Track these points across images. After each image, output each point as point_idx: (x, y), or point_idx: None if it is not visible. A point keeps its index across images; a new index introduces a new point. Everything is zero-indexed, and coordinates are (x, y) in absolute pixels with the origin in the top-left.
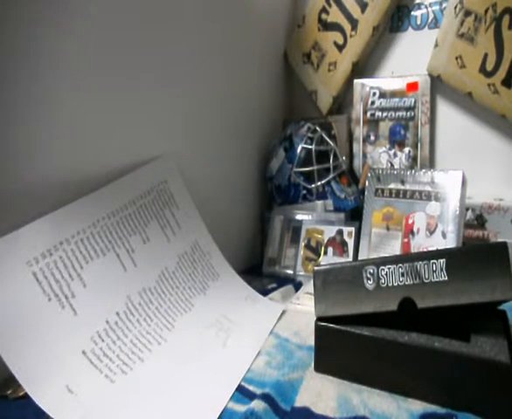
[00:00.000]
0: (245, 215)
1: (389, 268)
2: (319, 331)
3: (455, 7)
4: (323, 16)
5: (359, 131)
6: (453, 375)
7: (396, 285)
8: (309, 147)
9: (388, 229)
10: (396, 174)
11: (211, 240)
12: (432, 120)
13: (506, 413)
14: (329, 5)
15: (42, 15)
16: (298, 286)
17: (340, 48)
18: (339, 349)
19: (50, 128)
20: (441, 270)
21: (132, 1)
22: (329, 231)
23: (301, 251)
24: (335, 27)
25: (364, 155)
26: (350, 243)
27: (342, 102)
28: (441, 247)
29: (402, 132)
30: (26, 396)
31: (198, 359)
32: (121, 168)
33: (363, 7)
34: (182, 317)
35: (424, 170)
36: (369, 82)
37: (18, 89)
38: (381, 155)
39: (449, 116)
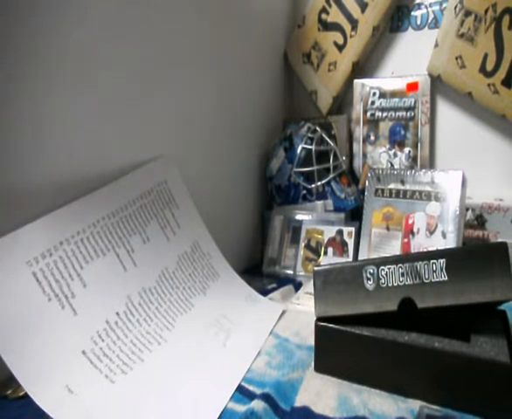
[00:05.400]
0: (245, 215)
1: (389, 268)
2: (319, 331)
3: (455, 7)
4: (323, 16)
5: (359, 131)
6: (453, 375)
7: (396, 285)
8: (309, 147)
9: (388, 229)
10: (396, 174)
11: (211, 240)
12: (432, 120)
13: (506, 413)
14: (329, 5)
15: (45, 16)
16: (298, 286)
17: (340, 48)
18: (339, 349)
19: (50, 128)
20: (441, 270)
21: (131, 1)
22: (329, 231)
23: (301, 251)
24: (335, 27)
25: (364, 155)
26: (350, 243)
27: (342, 102)
28: (441, 247)
29: (402, 132)
30: (26, 396)
31: (198, 359)
32: (121, 168)
33: (363, 7)
34: (182, 317)
35: (424, 170)
36: (369, 82)
37: (19, 90)
38: (381, 155)
39: (449, 116)
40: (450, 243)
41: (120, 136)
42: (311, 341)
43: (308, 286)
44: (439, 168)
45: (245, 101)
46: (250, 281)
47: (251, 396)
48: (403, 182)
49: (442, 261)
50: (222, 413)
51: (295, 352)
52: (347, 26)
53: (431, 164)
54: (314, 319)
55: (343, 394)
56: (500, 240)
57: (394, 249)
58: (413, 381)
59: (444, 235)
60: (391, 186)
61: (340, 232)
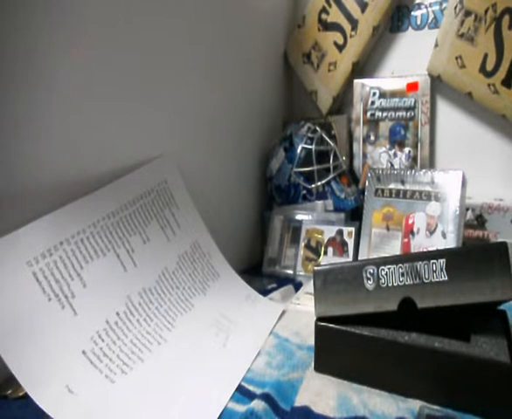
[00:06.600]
0: (245, 215)
1: (389, 268)
2: (319, 331)
3: (455, 7)
4: (323, 16)
5: (359, 131)
6: (453, 375)
7: (396, 285)
8: (309, 147)
9: (388, 229)
10: (396, 174)
11: (210, 240)
12: (432, 120)
13: (506, 413)
14: (329, 5)
15: (48, 17)
16: (298, 286)
17: (340, 48)
18: (339, 349)
19: (50, 129)
20: (441, 270)
21: (132, 2)
22: (329, 231)
23: (301, 251)
24: (335, 27)
25: (364, 155)
26: (350, 243)
27: (342, 102)
28: (441, 247)
29: (402, 132)
30: (26, 396)
31: (198, 359)
32: (121, 168)
33: (363, 7)
34: (182, 317)
35: (424, 170)
36: (369, 82)
37: (20, 90)
38: (381, 155)
39: (449, 116)
40: (450, 243)
41: (120, 136)
42: (311, 341)
43: (308, 286)
44: (439, 168)
45: (245, 101)
46: (250, 281)
47: (251, 396)
48: (403, 182)
49: (442, 261)
50: (222, 413)
51: (295, 352)
52: (347, 26)
53: (431, 164)
54: (314, 319)
55: (343, 394)
56: (500, 240)
57: (394, 249)
58: (413, 381)
59: (444, 235)
60: (391, 186)
61: (340, 232)
